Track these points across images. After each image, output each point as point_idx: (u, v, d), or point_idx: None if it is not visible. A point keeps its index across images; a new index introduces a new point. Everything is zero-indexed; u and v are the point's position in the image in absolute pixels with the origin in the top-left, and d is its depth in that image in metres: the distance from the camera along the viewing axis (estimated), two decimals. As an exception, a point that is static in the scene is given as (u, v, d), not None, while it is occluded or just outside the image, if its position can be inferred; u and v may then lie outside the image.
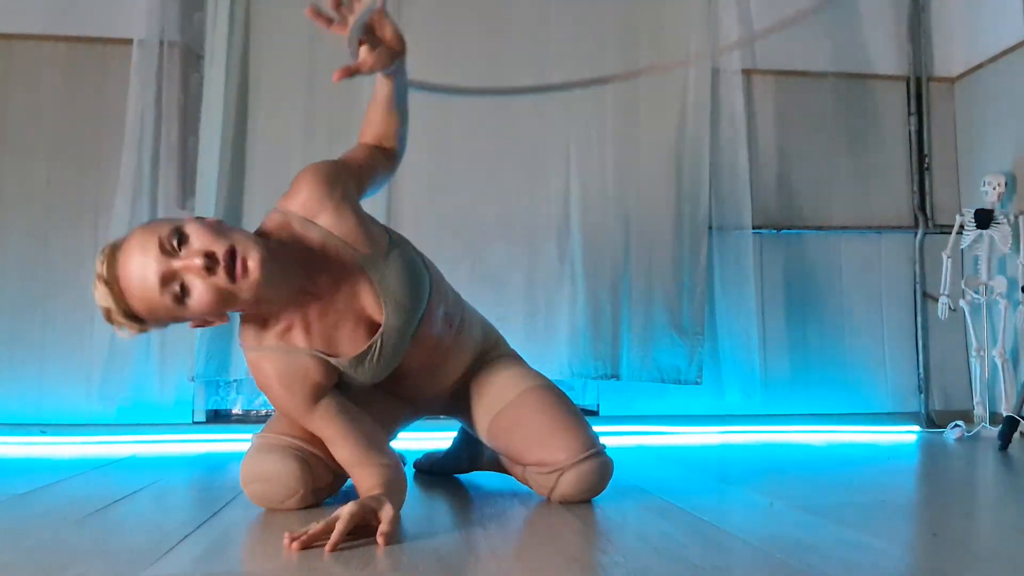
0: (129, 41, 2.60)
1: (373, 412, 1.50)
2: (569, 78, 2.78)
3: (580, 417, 1.56)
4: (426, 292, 1.48)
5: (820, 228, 2.99)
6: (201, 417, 2.68)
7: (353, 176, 1.47)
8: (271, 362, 1.37)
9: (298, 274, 1.34)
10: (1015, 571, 1.08)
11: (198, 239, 1.22)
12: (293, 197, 1.41)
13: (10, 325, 2.59)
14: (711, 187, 2.81)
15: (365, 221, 1.44)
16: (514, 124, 2.76)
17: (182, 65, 2.68)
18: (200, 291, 1.23)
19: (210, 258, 1.21)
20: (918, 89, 3.07)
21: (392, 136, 1.55)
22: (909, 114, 3.07)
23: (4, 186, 2.63)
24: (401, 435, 1.77)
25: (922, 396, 2.96)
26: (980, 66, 2.98)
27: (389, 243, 1.46)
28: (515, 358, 1.72)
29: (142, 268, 1.21)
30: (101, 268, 1.23)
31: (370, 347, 1.42)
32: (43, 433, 2.50)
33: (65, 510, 1.45)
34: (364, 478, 1.34)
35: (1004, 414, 2.48)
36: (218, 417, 2.75)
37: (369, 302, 1.41)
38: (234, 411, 2.77)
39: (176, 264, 1.22)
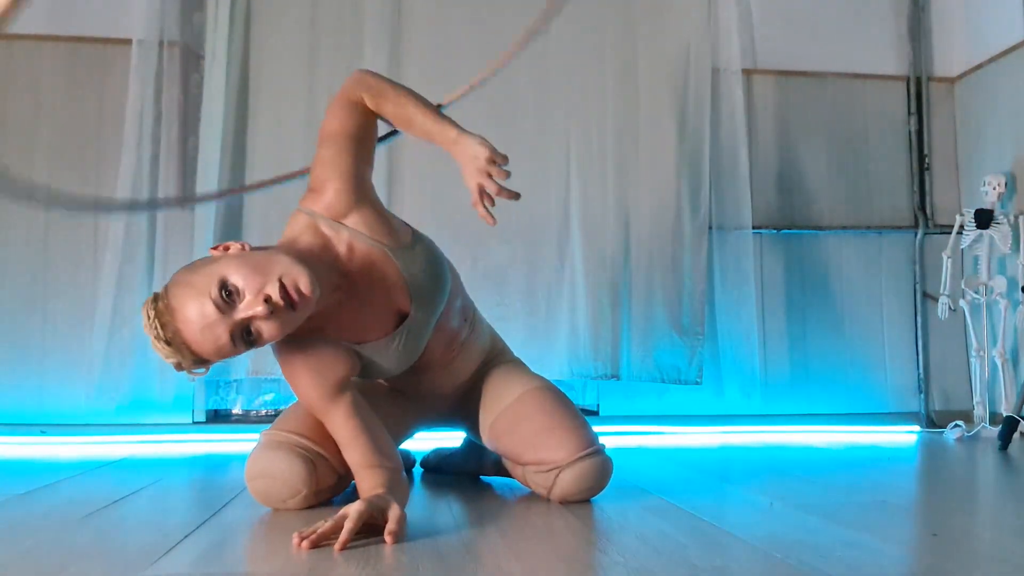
0: (129, 41, 2.60)
1: (383, 418, 1.51)
2: (569, 78, 2.78)
3: (579, 417, 1.56)
4: (448, 282, 1.53)
5: (820, 228, 2.99)
6: (201, 417, 2.68)
7: (368, 162, 1.48)
8: (300, 353, 1.38)
9: (331, 275, 1.37)
10: (1015, 571, 1.08)
11: (248, 286, 1.22)
12: (318, 198, 1.42)
13: (10, 325, 2.59)
14: (711, 187, 2.81)
15: (387, 214, 1.48)
16: (514, 124, 2.76)
17: (182, 65, 2.68)
18: (268, 329, 1.25)
19: (269, 302, 1.22)
20: (918, 89, 3.07)
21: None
22: (909, 114, 3.07)
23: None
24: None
25: (922, 396, 2.96)
26: (980, 66, 2.98)
27: (413, 236, 1.50)
28: (518, 363, 1.74)
29: (210, 331, 1.21)
30: (159, 331, 1.22)
31: (397, 334, 1.45)
32: (43, 433, 2.50)
33: (65, 510, 1.45)
34: (368, 478, 1.35)
35: (1004, 414, 2.48)
36: (218, 417, 2.75)
37: (397, 292, 1.44)
38: (234, 411, 2.77)
39: (239, 317, 1.22)
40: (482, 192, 1.38)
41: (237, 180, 2.66)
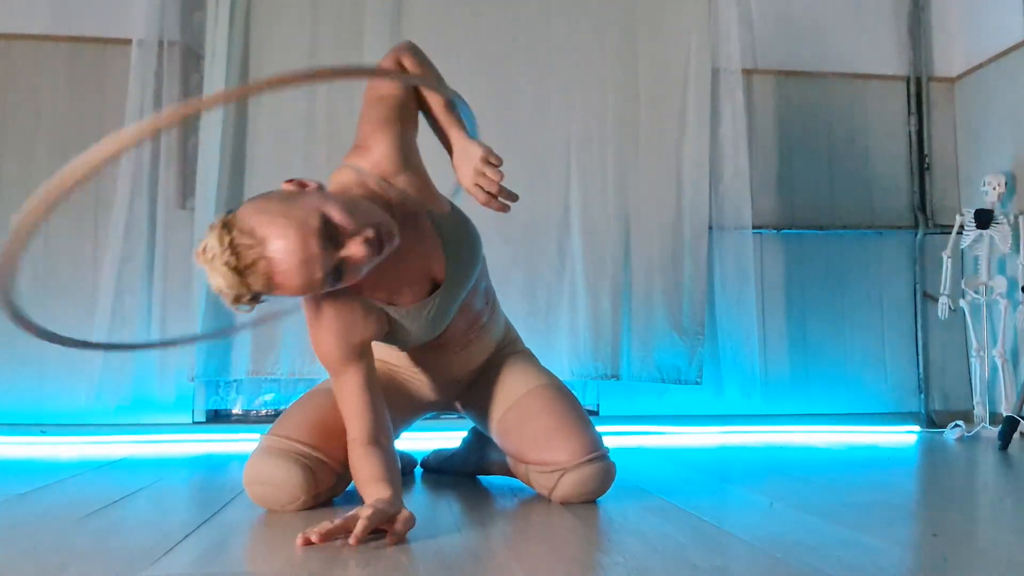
0: (129, 41, 2.60)
1: (390, 400, 1.51)
2: (569, 78, 2.79)
3: (585, 419, 1.56)
4: (482, 256, 1.55)
5: (820, 228, 2.99)
6: (201, 417, 2.68)
7: (415, 126, 1.50)
8: (331, 305, 1.36)
9: None
10: (1015, 571, 1.08)
11: (349, 226, 1.20)
12: (365, 154, 1.42)
13: (10, 325, 2.58)
14: (711, 187, 2.81)
15: (431, 181, 1.49)
16: (514, 124, 2.76)
17: (182, 65, 2.68)
18: (354, 273, 1.23)
19: (369, 244, 1.21)
20: (918, 89, 3.07)
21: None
22: (909, 114, 3.07)
23: (4, 186, 2.63)
24: (408, 436, 1.78)
25: (922, 396, 2.96)
26: (980, 66, 2.98)
27: (451, 206, 1.52)
28: (529, 355, 1.73)
29: (307, 266, 1.17)
30: (232, 259, 1.14)
31: (429, 302, 1.45)
32: (43, 433, 2.50)
33: (65, 510, 1.45)
34: (365, 464, 1.33)
35: (1004, 414, 2.48)
36: (218, 417, 2.75)
37: (435, 260, 1.45)
38: (234, 411, 2.77)
39: (340, 255, 1.20)
40: (484, 191, 1.43)
41: (237, 180, 2.66)
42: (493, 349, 1.68)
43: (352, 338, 1.37)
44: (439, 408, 1.75)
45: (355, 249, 1.20)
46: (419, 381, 1.66)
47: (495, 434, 1.63)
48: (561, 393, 1.60)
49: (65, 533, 1.27)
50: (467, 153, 1.45)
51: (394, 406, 1.55)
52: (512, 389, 1.61)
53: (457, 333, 1.57)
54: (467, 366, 1.65)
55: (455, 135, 1.49)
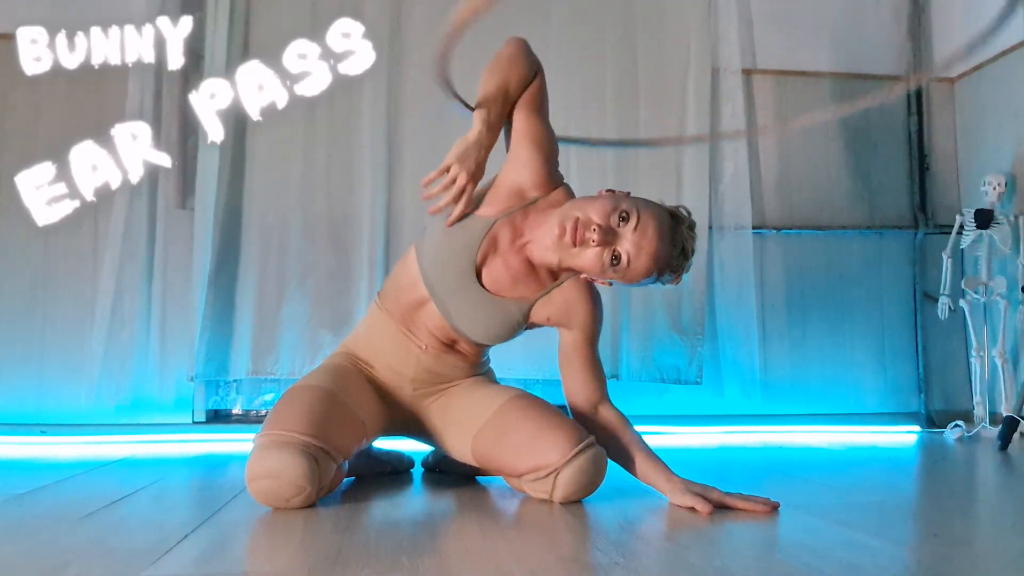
0: (129, 41, 2.60)
1: (355, 405, 1.57)
2: (569, 78, 2.78)
3: (562, 415, 1.57)
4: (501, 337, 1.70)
5: (820, 228, 2.99)
6: (201, 417, 2.68)
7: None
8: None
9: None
10: (1015, 571, 1.08)
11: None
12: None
13: (10, 325, 2.59)
14: (711, 187, 2.81)
15: None
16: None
17: (182, 65, 2.67)
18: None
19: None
20: (918, 89, 3.07)
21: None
22: (909, 114, 3.08)
23: (4, 186, 2.63)
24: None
25: (922, 396, 2.96)
26: (980, 66, 2.98)
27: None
28: (488, 379, 1.77)
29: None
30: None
31: (479, 291, 1.60)
32: (43, 433, 2.50)
33: (65, 510, 1.45)
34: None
35: (1004, 414, 2.49)
36: (218, 417, 2.75)
37: (528, 288, 1.65)
38: (234, 411, 2.77)
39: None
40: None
41: (237, 180, 2.66)
42: (461, 379, 1.71)
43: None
44: (402, 427, 1.74)
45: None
46: (386, 400, 1.68)
47: (475, 459, 1.63)
48: (530, 399, 1.61)
49: (65, 533, 1.27)
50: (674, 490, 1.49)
51: (362, 412, 1.59)
52: (477, 413, 1.62)
53: (439, 336, 1.64)
54: (433, 376, 1.68)
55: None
